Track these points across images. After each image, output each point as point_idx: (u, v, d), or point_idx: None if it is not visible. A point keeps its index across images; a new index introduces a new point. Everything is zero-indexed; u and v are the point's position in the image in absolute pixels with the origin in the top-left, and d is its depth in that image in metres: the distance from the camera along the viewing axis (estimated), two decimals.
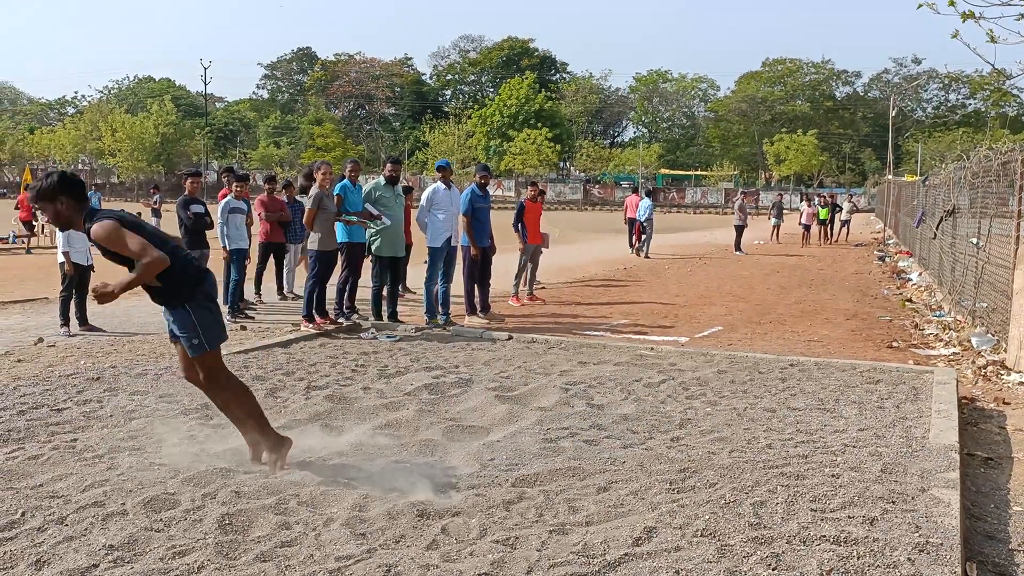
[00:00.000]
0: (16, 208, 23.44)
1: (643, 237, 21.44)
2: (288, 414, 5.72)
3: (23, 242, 21.93)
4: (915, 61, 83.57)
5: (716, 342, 9.32)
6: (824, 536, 3.68)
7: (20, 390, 6.15)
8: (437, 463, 4.77)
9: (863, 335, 10.08)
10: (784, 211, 29.90)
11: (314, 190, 9.27)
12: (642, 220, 21.46)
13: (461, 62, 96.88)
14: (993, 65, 7.50)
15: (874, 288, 15.12)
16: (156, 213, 24.26)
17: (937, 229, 14.16)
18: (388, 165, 9.82)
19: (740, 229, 23.00)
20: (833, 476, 4.50)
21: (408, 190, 12.15)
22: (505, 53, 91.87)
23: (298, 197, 12.01)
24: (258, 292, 11.87)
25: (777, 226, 27.92)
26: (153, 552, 3.53)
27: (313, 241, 9.28)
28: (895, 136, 55.98)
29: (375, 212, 9.34)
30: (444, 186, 9.87)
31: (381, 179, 9.74)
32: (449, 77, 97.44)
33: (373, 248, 9.65)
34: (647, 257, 20.82)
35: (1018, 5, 6.45)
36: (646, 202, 21.72)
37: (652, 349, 8.32)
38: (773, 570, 3.40)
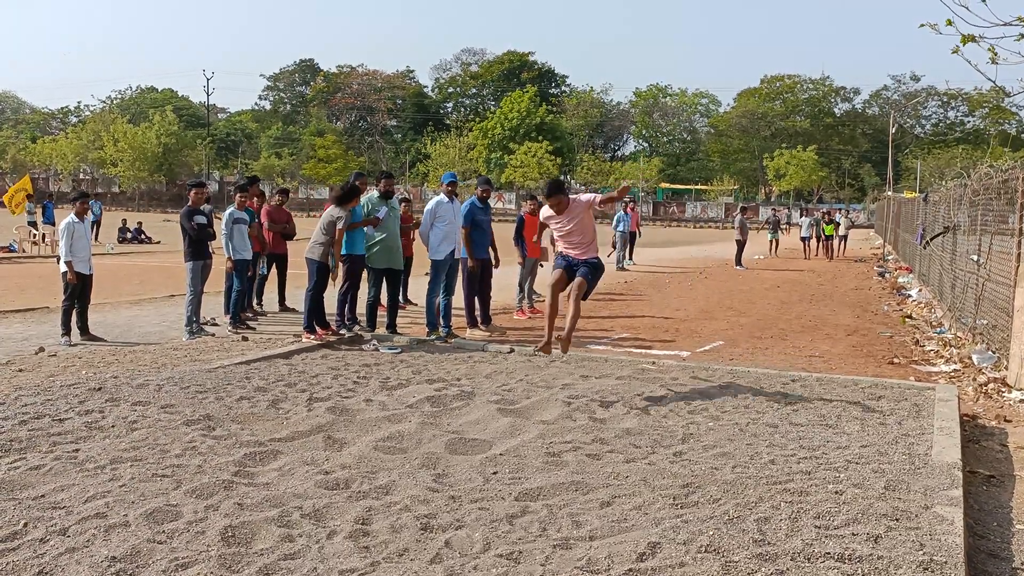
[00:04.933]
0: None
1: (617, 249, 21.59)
2: (290, 426, 5.71)
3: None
4: (914, 78, 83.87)
5: (718, 357, 9.32)
6: (828, 553, 3.67)
7: (21, 400, 6.14)
8: (440, 476, 4.77)
9: (864, 351, 10.08)
10: (781, 226, 30.12)
11: (339, 211, 9.29)
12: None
13: (463, 75, 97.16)
14: (994, 82, 7.53)
15: (874, 304, 15.13)
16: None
17: (931, 241, 14.20)
18: (383, 180, 10.30)
19: (741, 244, 23.07)
20: (836, 493, 4.49)
21: (404, 201, 12.24)
22: (506, 67, 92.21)
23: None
24: (259, 302, 11.87)
25: (774, 240, 28.23)
26: (156, 564, 3.52)
27: (312, 252, 9.31)
28: (894, 152, 56.11)
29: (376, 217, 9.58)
30: (447, 199, 9.92)
31: (375, 193, 10.09)
32: (451, 90, 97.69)
33: (368, 260, 9.75)
34: (621, 269, 20.88)
35: (1018, 26, 6.48)
36: (618, 214, 21.93)
37: (654, 363, 8.32)
38: None
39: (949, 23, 6.57)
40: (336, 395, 6.64)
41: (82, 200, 9.68)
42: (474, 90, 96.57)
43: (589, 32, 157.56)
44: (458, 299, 10.45)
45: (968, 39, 6.59)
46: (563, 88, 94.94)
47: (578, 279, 6.92)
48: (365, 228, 9.69)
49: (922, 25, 6.74)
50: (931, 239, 14.28)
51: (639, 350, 9.58)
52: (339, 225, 9.26)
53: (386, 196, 9.98)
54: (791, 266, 23.91)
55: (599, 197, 6.86)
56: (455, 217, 9.89)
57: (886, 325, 12.41)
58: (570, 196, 7.01)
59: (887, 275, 21.45)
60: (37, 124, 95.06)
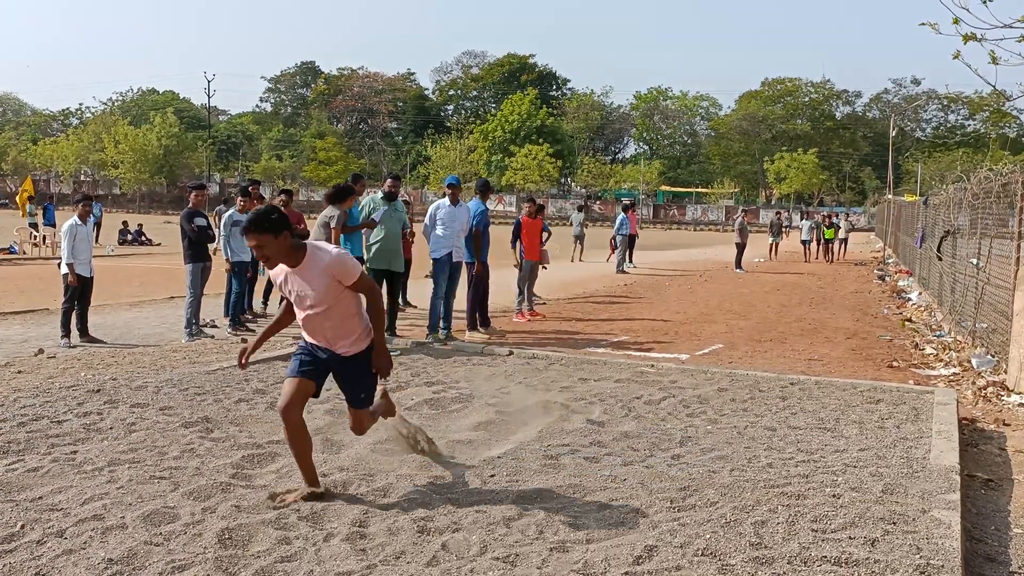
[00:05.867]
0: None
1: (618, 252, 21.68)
2: None
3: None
4: (914, 82, 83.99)
5: (717, 360, 9.32)
6: (825, 557, 3.67)
7: (20, 402, 6.15)
8: (437, 479, 4.77)
9: (863, 354, 10.07)
10: (783, 229, 30.14)
11: (335, 210, 9.30)
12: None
13: (463, 77, 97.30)
14: (994, 86, 7.54)
15: (874, 307, 15.13)
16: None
17: (939, 250, 14.19)
18: (388, 181, 10.14)
19: (740, 247, 23.07)
20: (834, 496, 4.49)
21: (404, 203, 12.26)
22: (506, 69, 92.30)
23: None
24: (265, 303, 11.84)
25: (775, 244, 28.20)
26: (153, 566, 3.52)
27: None
28: (895, 156, 56.12)
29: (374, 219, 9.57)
30: (449, 202, 9.93)
31: (379, 193, 9.96)
32: (451, 92, 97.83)
33: (367, 261, 9.73)
34: (621, 272, 20.95)
35: (1019, 27, 6.49)
36: (620, 217, 22.03)
37: (653, 366, 8.31)
38: None
39: (956, 22, 6.57)
40: (334, 397, 6.61)
41: (84, 202, 9.69)
42: (475, 92, 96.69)
43: (590, 35, 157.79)
44: (459, 302, 10.45)
45: (969, 37, 6.60)
46: (564, 91, 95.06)
47: (354, 415, 4.52)
48: (363, 230, 9.70)
49: (922, 24, 6.74)
50: (939, 248, 14.24)
51: (638, 353, 9.58)
52: (333, 224, 9.26)
53: (389, 197, 9.87)
54: (791, 269, 23.91)
55: (350, 276, 4.21)
56: (454, 221, 9.90)
57: (885, 328, 12.40)
58: (312, 245, 4.25)
59: (887, 278, 21.45)
60: (38, 126, 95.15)
